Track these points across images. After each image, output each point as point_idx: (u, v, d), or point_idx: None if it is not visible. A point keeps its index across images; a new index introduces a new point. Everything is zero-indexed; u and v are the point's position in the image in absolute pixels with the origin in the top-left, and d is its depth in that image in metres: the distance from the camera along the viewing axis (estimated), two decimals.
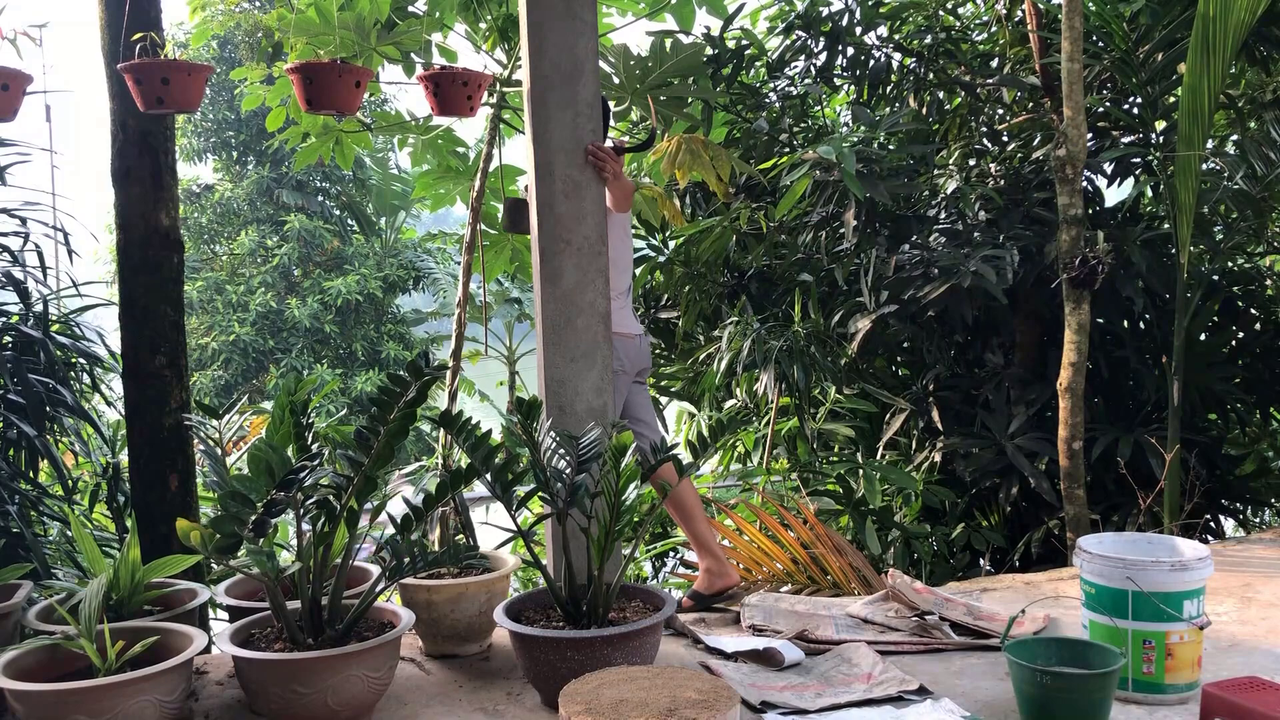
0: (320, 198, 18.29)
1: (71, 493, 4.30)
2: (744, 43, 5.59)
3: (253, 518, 2.39)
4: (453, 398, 4.46)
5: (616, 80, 4.68)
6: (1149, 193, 5.34)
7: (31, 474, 4.07)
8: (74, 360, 4.35)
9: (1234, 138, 5.32)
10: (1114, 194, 5.51)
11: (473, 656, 3.09)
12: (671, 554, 5.39)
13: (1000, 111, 5.64)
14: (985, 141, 5.55)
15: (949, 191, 5.34)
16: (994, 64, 5.71)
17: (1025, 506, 4.96)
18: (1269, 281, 5.38)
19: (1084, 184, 4.83)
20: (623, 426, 3.27)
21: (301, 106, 3.43)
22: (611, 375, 3.34)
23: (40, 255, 4.19)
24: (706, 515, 3.60)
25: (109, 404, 4.69)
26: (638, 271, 5.88)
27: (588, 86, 3.25)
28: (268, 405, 3.91)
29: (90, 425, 4.41)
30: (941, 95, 5.70)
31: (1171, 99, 4.90)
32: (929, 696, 2.68)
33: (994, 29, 5.75)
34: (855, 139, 4.67)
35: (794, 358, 4.75)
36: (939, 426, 5.15)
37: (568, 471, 2.77)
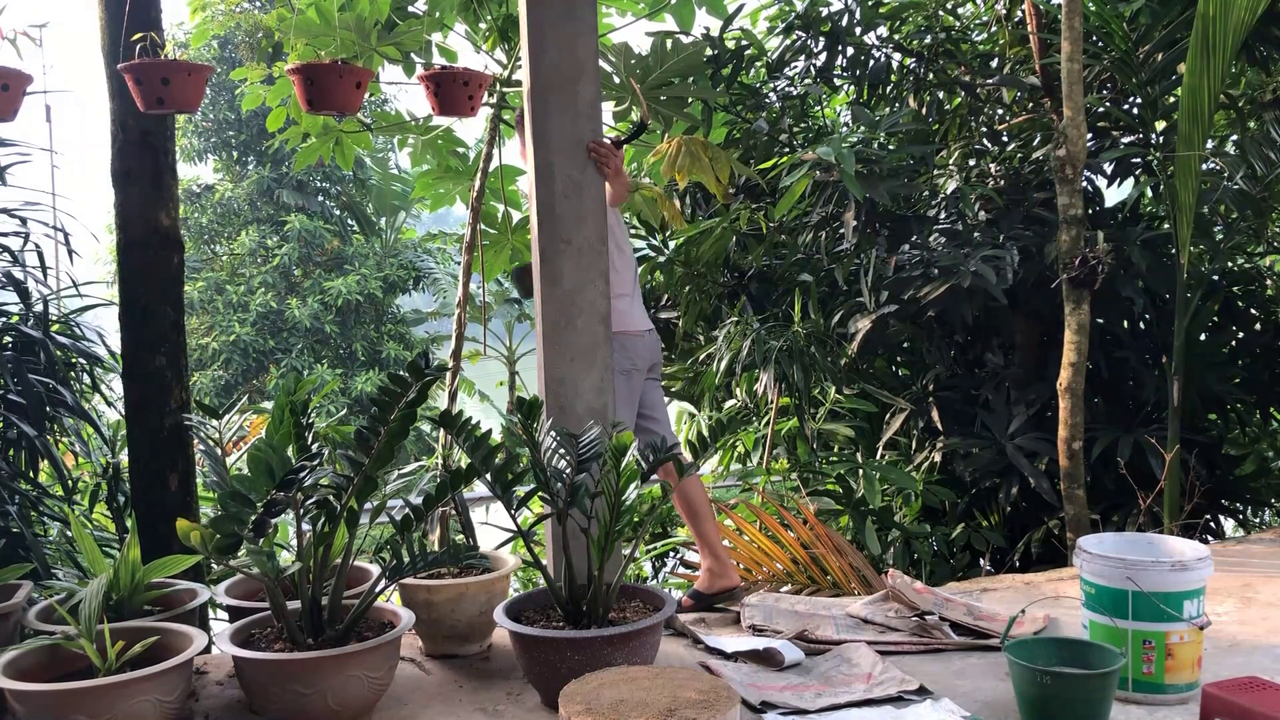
0: (320, 198, 18.29)
1: (71, 493, 4.29)
2: (744, 43, 5.59)
3: (253, 518, 2.39)
4: (453, 398, 4.46)
5: (617, 80, 4.68)
6: (1149, 193, 5.34)
7: (31, 474, 4.07)
8: (74, 360, 4.35)
9: (1234, 138, 5.32)
10: (1114, 194, 5.51)
11: (473, 656, 3.09)
12: (671, 554, 5.39)
13: (1000, 111, 5.64)
14: (985, 141, 5.55)
15: (949, 191, 5.34)
16: (994, 64, 5.71)
17: (1025, 506, 4.95)
18: (1269, 281, 5.38)
19: (1084, 184, 4.83)
20: (624, 426, 3.27)
21: (303, 107, 3.43)
22: (612, 375, 3.34)
23: (40, 255, 4.19)
24: (714, 516, 3.61)
25: (109, 404, 4.69)
26: (638, 271, 5.88)
27: (588, 87, 3.25)
28: (268, 405, 3.91)
29: (90, 425, 4.41)
30: (941, 95, 5.70)
31: (1171, 99, 4.90)
32: (929, 696, 2.68)
33: (994, 29, 5.75)
34: (855, 139, 4.67)
35: (794, 358, 4.75)
36: (939, 426, 5.15)
37: (568, 471, 2.77)
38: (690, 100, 4.90)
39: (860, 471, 4.84)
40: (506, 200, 5.00)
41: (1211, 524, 5.12)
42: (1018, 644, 2.56)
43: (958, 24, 5.87)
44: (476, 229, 4.51)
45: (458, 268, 5.13)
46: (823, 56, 5.58)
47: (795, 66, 5.75)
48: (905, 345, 5.60)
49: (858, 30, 5.54)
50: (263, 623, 2.71)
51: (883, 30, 5.68)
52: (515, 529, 2.80)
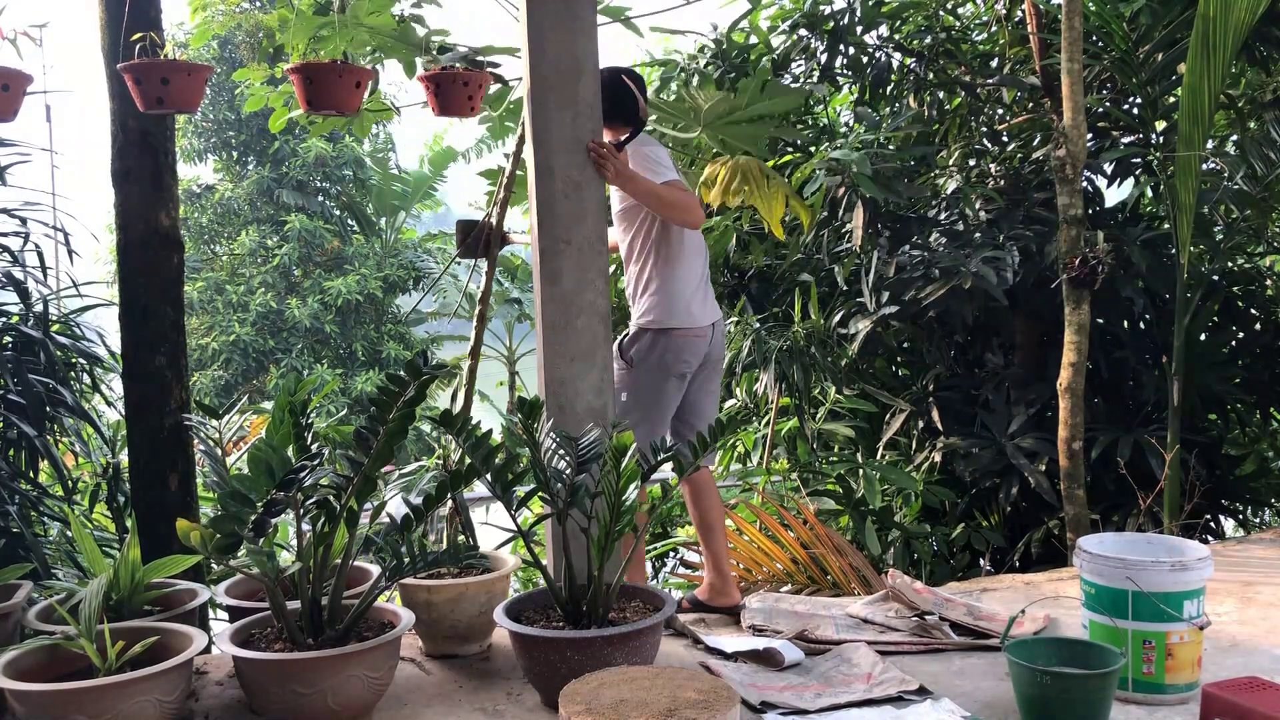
0: (320, 198, 18.29)
1: (71, 493, 4.29)
2: (752, 40, 5.58)
3: (253, 518, 2.39)
4: (467, 398, 4.33)
5: (687, 104, 4.34)
6: (1149, 193, 5.34)
7: (31, 474, 4.07)
8: (74, 360, 4.34)
9: (1234, 138, 5.33)
10: (1114, 194, 5.51)
11: (473, 656, 3.09)
12: (671, 554, 5.39)
13: (1000, 111, 5.64)
14: (985, 141, 5.56)
15: (949, 192, 5.34)
16: (994, 64, 5.71)
17: (1025, 506, 4.96)
18: (1269, 281, 5.39)
19: (1084, 184, 4.83)
20: (625, 427, 3.26)
21: (302, 107, 3.43)
22: (613, 375, 3.33)
23: (40, 255, 4.18)
24: (725, 531, 3.59)
25: (109, 404, 4.68)
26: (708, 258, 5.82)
27: (588, 86, 3.25)
28: (268, 405, 3.90)
29: (90, 425, 4.41)
30: (942, 95, 5.70)
31: (1171, 99, 4.90)
32: (929, 696, 2.68)
33: (994, 29, 5.75)
34: (869, 139, 4.67)
35: (794, 358, 4.75)
36: (939, 426, 5.15)
37: (568, 472, 2.77)
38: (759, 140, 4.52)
39: (860, 471, 4.84)
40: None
41: (1211, 524, 5.13)
42: (1018, 644, 2.56)
43: (958, 24, 5.87)
44: (503, 218, 4.06)
45: (457, 267, 5.02)
46: (824, 56, 5.58)
47: (798, 66, 5.75)
48: (905, 345, 5.60)
49: (859, 30, 5.54)
50: (263, 623, 2.71)
51: (883, 30, 5.68)
52: (515, 529, 2.80)
